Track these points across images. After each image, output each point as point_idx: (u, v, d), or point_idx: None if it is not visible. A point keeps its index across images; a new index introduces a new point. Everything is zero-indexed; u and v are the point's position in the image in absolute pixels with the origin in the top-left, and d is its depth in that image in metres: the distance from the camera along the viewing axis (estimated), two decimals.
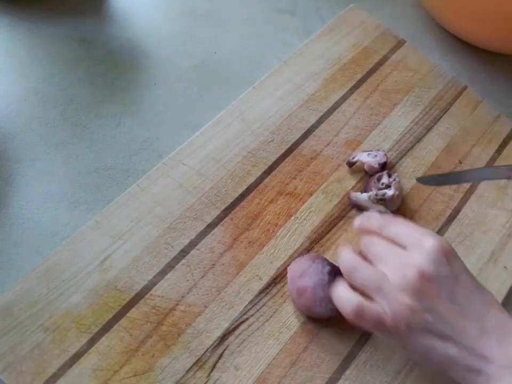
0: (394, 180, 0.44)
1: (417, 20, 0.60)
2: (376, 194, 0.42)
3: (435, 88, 0.52)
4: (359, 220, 0.36)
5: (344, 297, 0.33)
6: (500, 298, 0.41)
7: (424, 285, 0.30)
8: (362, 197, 0.43)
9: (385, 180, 0.44)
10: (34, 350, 0.34)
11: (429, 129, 0.50)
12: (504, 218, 0.46)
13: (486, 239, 0.44)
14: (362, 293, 0.32)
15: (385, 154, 0.45)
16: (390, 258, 0.31)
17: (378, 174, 0.44)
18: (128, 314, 0.37)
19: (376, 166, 0.44)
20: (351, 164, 0.45)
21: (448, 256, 0.31)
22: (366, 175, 0.46)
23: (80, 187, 0.43)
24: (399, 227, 0.33)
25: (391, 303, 0.30)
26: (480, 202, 0.46)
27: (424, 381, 0.37)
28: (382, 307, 0.31)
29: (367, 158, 0.45)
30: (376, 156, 0.45)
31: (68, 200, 0.43)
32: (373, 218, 0.35)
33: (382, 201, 0.42)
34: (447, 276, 0.30)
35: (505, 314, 0.31)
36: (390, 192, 0.42)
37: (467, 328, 0.29)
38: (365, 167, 0.45)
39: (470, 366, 0.29)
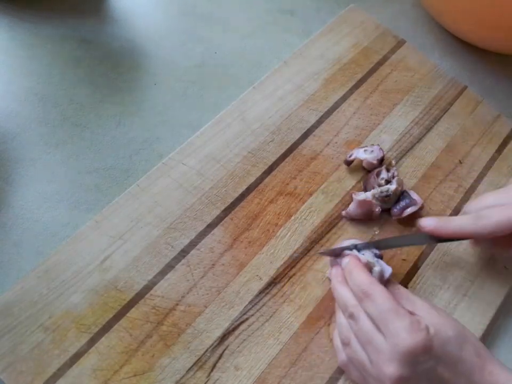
0: (393, 173, 0.44)
1: (417, 19, 0.60)
2: (381, 192, 0.42)
3: (435, 88, 0.52)
4: (339, 268, 0.36)
5: (336, 347, 0.36)
6: (500, 299, 0.41)
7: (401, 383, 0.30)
8: (366, 195, 0.42)
9: (384, 175, 0.44)
10: (34, 350, 0.35)
11: (429, 129, 0.50)
12: None
13: None
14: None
15: (380, 148, 0.45)
16: (371, 347, 0.31)
17: (377, 169, 0.44)
18: (128, 314, 0.37)
19: (375, 162, 0.44)
20: (349, 163, 0.45)
21: (425, 351, 0.30)
22: (365, 173, 0.46)
23: (80, 187, 0.43)
24: (379, 307, 0.31)
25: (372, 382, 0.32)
26: None
27: None
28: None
29: (364, 155, 0.45)
30: (372, 151, 0.45)
31: (67, 200, 0.43)
32: (353, 275, 0.34)
33: (387, 197, 0.42)
34: (424, 371, 0.30)
35: (486, 371, 0.30)
36: (392, 187, 0.42)
37: None
38: (364, 164, 0.45)
39: None
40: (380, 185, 0.43)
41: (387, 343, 0.30)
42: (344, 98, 0.50)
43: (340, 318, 0.35)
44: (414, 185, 0.46)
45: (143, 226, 0.40)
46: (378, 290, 0.32)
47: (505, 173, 0.48)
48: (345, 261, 0.36)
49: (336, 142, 0.47)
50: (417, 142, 0.49)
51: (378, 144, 0.46)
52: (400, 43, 0.55)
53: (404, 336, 0.30)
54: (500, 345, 0.41)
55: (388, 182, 0.44)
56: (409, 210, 0.42)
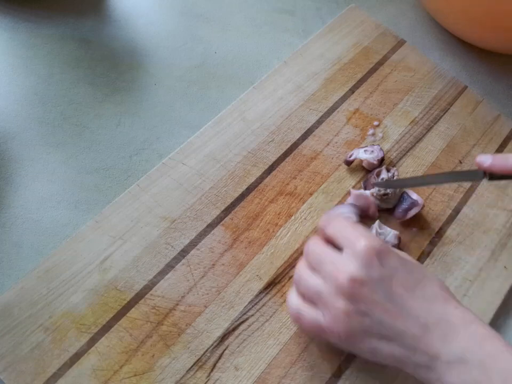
0: (393, 174, 0.44)
1: (417, 19, 0.60)
2: (379, 190, 0.42)
3: (435, 88, 0.52)
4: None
5: (289, 301, 0.34)
6: (500, 299, 0.41)
7: (357, 289, 0.30)
8: (365, 194, 0.43)
9: (384, 175, 0.44)
10: (34, 350, 0.35)
11: (429, 129, 0.50)
12: (504, 218, 0.46)
13: (486, 239, 0.44)
14: (310, 300, 0.33)
15: (380, 148, 0.45)
16: (326, 265, 0.32)
17: (377, 169, 0.44)
18: (128, 314, 0.37)
19: (375, 162, 0.44)
20: (349, 163, 0.45)
21: (381, 256, 0.31)
22: (365, 173, 0.46)
23: (80, 187, 0.43)
24: (337, 227, 0.34)
25: (328, 309, 0.31)
26: (480, 202, 0.46)
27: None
28: (321, 313, 0.32)
29: (365, 155, 0.45)
30: (372, 151, 0.45)
31: (67, 200, 0.43)
32: (321, 219, 0.36)
33: (385, 196, 0.42)
34: (380, 277, 0.30)
35: (451, 305, 0.30)
36: None
37: (408, 328, 0.30)
38: (364, 164, 0.45)
39: (418, 363, 0.30)
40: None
41: (344, 253, 0.32)
42: (344, 98, 0.50)
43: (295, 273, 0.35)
44: None
45: (143, 226, 0.40)
46: (338, 217, 0.35)
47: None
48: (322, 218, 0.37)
49: (336, 142, 0.47)
50: (417, 142, 0.49)
51: (378, 144, 0.46)
52: (400, 43, 0.55)
53: (360, 240, 0.31)
54: None
55: None
56: (413, 212, 0.42)
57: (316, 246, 0.34)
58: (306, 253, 0.34)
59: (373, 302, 0.30)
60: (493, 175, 0.36)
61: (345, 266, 0.31)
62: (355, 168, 0.46)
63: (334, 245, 0.34)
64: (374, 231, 0.41)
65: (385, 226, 0.42)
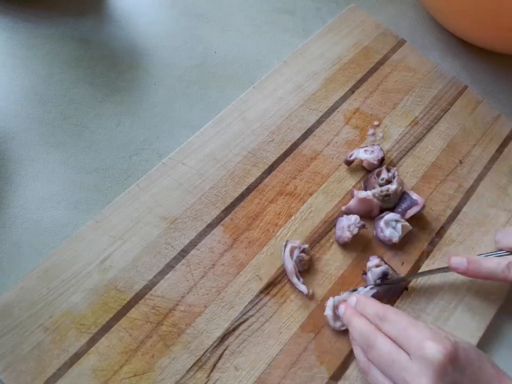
0: (394, 174, 0.44)
1: (417, 19, 0.60)
2: (381, 191, 0.42)
3: (435, 88, 0.52)
4: (350, 304, 0.36)
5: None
6: (500, 299, 0.41)
7: None
8: (367, 194, 0.42)
9: (384, 175, 0.44)
10: (34, 350, 0.35)
11: (429, 129, 0.50)
12: (504, 218, 0.46)
13: (486, 239, 0.44)
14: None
15: (381, 148, 0.45)
16: (398, 373, 0.30)
17: (377, 169, 0.44)
18: (128, 315, 0.37)
19: (376, 162, 0.44)
20: (349, 163, 0.45)
21: (454, 362, 0.29)
22: (366, 173, 0.46)
23: (80, 187, 0.43)
24: (397, 325, 0.32)
25: None
26: (481, 202, 0.46)
27: None
28: None
29: (365, 155, 0.45)
30: (372, 151, 0.45)
31: (67, 200, 0.43)
32: (368, 307, 0.35)
33: (387, 197, 0.42)
34: (453, 381, 0.29)
35: (504, 381, 0.30)
36: (393, 187, 0.43)
37: None
38: (364, 164, 0.45)
39: None
40: (380, 185, 0.43)
41: (412, 358, 0.30)
42: (344, 98, 0.50)
43: (358, 353, 0.35)
44: (414, 185, 0.46)
45: (143, 226, 0.40)
46: (393, 311, 0.33)
47: (506, 173, 0.48)
48: (353, 300, 0.37)
49: (336, 142, 0.47)
50: (418, 142, 0.49)
51: (378, 144, 0.46)
52: (400, 43, 0.55)
53: (430, 346, 0.29)
54: (499, 345, 0.41)
55: (388, 182, 0.44)
56: (412, 211, 0.42)
57: (377, 340, 0.32)
58: (368, 344, 0.33)
59: None
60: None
61: (418, 378, 0.29)
62: (355, 168, 0.46)
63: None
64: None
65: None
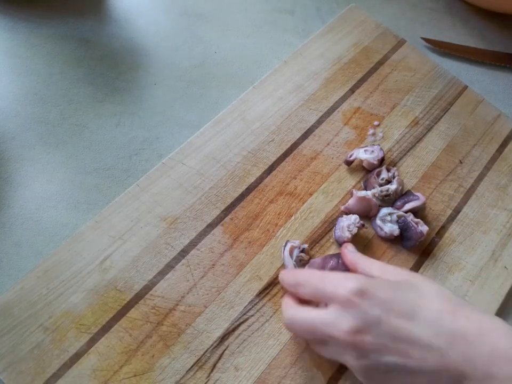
0: (394, 173, 0.44)
1: (417, 19, 0.60)
2: (381, 191, 0.42)
3: (435, 88, 0.52)
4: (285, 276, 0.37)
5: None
6: (500, 299, 0.41)
7: (359, 342, 0.29)
8: (366, 193, 0.43)
9: (384, 175, 0.44)
10: (34, 350, 0.34)
11: (429, 129, 0.50)
12: (504, 218, 0.46)
13: (486, 239, 0.44)
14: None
15: (381, 148, 0.45)
16: (321, 329, 0.31)
17: (377, 169, 0.44)
18: (128, 315, 0.37)
19: (376, 162, 0.44)
20: (349, 163, 0.45)
21: (367, 296, 0.29)
22: (366, 173, 0.46)
23: (80, 187, 0.43)
24: (308, 286, 0.33)
25: (341, 357, 0.31)
26: (481, 202, 0.46)
27: None
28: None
29: (365, 155, 0.45)
30: (373, 151, 0.45)
31: (67, 200, 0.43)
32: (285, 277, 0.36)
33: (387, 196, 0.42)
34: (376, 319, 0.29)
35: (460, 316, 0.28)
36: (393, 187, 0.43)
37: (424, 359, 0.28)
38: (364, 164, 0.45)
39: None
40: (380, 185, 0.43)
41: (329, 309, 0.31)
42: (344, 98, 0.50)
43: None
44: (414, 185, 0.46)
45: (143, 226, 0.40)
46: (303, 272, 0.35)
47: (506, 173, 0.48)
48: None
49: (336, 142, 0.47)
50: (418, 142, 0.49)
51: (378, 144, 0.46)
52: (400, 43, 0.55)
53: (340, 289, 0.30)
54: None
55: (388, 182, 0.44)
56: (410, 205, 0.42)
57: (299, 316, 0.32)
58: (292, 327, 0.33)
59: (380, 347, 0.29)
60: None
61: (337, 324, 0.29)
62: (355, 168, 0.46)
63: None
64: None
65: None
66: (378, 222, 0.42)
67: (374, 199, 0.42)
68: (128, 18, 0.54)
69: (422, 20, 0.60)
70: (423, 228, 0.41)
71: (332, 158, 0.46)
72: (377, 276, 0.33)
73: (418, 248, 0.43)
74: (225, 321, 0.37)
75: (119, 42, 0.52)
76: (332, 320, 0.30)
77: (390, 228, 0.41)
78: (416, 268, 0.42)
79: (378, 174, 0.44)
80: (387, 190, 0.42)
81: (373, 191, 0.43)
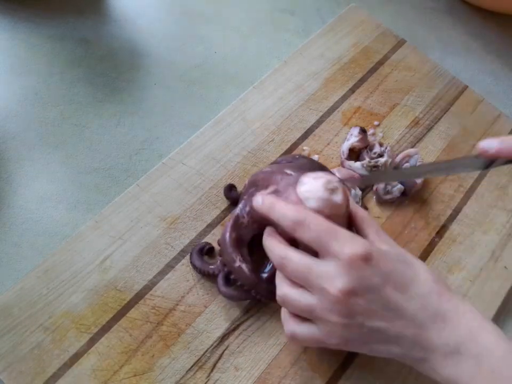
0: (386, 148, 0.44)
1: (417, 19, 0.60)
2: (369, 161, 0.43)
3: (435, 88, 0.52)
4: (261, 200, 0.34)
5: (283, 322, 0.33)
6: (500, 299, 0.41)
7: (350, 303, 0.29)
8: (356, 165, 0.43)
9: (377, 149, 0.44)
10: (34, 350, 0.34)
11: (429, 129, 0.50)
12: (504, 218, 0.46)
13: (486, 239, 0.44)
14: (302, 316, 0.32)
15: (360, 128, 0.45)
16: (313, 280, 0.30)
17: (370, 144, 0.45)
18: (128, 315, 0.37)
19: (359, 143, 0.45)
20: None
21: (369, 262, 0.29)
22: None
23: (80, 187, 0.43)
24: (312, 232, 0.30)
25: (324, 324, 0.30)
26: (481, 202, 0.46)
27: (425, 380, 0.37)
28: (316, 327, 0.31)
29: (348, 143, 0.45)
30: (350, 136, 0.45)
31: (67, 200, 0.43)
32: (276, 212, 0.32)
33: (375, 167, 0.43)
34: (372, 285, 0.29)
35: (445, 298, 0.30)
36: (383, 159, 0.43)
37: (405, 330, 0.30)
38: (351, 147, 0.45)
39: (415, 357, 0.30)
40: (371, 159, 0.44)
41: (328, 263, 0.30)
42: (344, 98, 0.50)
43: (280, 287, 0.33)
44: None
45: (143, 226, 0.40)
46: (310, 214, 0.31)
47: (506, 173, 0.48)
48: (257, 200, 0.34)
49: (336, 142, 0.47)
50: (418, 141, 0.49)
51: (357, 125, 0.46)
52: (400, 43, 0.55)
53: (346, 248, 0.29)
54: None
55: (380, 156, 0.44)
56: (396, 188, 0.43)
57: (290, 257, 0.31)
58: (281, 265, 0.32)
59: (368, 311, 0.29)
60: (492, 162, 0.33)
61: (334, 280, 0.29)
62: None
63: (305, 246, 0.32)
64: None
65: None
66: (358, 165, 0.42)
67: (362, 171, 0.43)
68: (128, 18, 0.54)
69: (422, 20, 0.60)
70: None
71: (332, 158, 0.46)
72: (372, 238, 0.33)
73: (418, 247, 0.43)
74: (225, 321, 0.37)
75: (119, 42, 0.52)
76: (329, 274, 0.29)
77: (393, 189, 0.42)
78: None
79: (371, 149, 0.45)
80: (376, 162, 0.43)
81: (362, 162, 0.43)
